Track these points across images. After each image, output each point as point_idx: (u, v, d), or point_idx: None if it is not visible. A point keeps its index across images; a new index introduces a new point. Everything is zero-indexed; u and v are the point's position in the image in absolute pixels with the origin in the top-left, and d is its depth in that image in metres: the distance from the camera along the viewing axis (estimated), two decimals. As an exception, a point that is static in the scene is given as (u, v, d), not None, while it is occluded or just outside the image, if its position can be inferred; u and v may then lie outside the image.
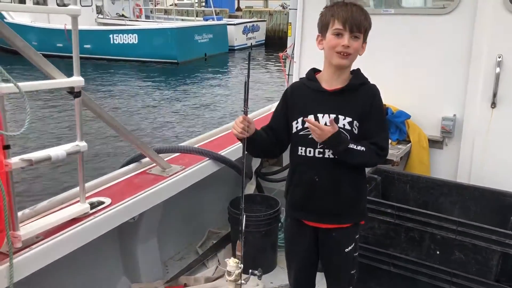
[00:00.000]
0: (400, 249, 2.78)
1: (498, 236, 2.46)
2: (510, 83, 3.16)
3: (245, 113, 1.97)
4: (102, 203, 2.52)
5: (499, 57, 3.14)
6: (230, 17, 31.49)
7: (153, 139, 9.69)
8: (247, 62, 1.95)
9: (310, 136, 2.01)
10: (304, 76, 2.18)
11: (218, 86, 16.11)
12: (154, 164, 3.03)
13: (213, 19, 24.90)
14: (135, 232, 2.98)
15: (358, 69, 2.11)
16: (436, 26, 3.44)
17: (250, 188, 3.96)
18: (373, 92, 2.07)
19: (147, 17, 27.69)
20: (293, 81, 4.14)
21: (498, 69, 3.14)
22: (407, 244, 2.76)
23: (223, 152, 3.37)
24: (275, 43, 25.72)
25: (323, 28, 2.03)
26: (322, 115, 2.02)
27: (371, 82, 2.11)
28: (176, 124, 11.10)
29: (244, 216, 2.03)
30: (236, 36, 25.52)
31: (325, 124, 1.98)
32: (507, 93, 3.18)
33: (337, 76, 2.05)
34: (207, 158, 3.20)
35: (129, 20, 24.89)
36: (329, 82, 2.06)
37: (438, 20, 3.44)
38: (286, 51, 4.33)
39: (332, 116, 2.00)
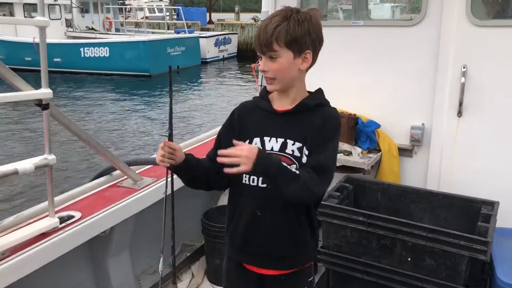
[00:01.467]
0: (373, 256, 2.80)
1: (466, 241, 2.51)
2: (475, 93, 3.26)
3: (169, 137, 1.69)
4: (72, 217, 2.47)
5: (464, 68, 3.24)
6: (202, 29, 31.63)
7: (125, 152, 9.57)
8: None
9: None
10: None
11: (192, 98, 16.09)
12: (125, 177, 2.99)
13: (184, 32, 24.93)
14: (106, 246, 2.93)
15: (319, 89, 1.84)
16: (403, 37, 3.53)
17: (224, 200, 3.94)
18: (329, 114, 1.75)
19: (117, 30, 27.55)
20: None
21: (463, 79, 3.24)
22: (379, 252, 2.80)
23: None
24: (247, 55, 25.95)
25: None
26: (269, 138, 1.75)
27: (332, 104, 1.83)
28: (148, 136, 11.02)
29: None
30: (208, 48, 25.65)
31: (272, 149, 1.73)
32: (472, 102, 3.28)
33: (284, 98, 1.79)
34: (180, 170, 3.16)
35: (99, 33, 24.68)
36: (279, 101, 1.79)
37: (406, 32, 3.53)
38: (258, 62, 4.36)
39: (280, 140, 1.73)
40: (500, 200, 2.88)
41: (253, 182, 1.76)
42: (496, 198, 2.90)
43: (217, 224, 3.28)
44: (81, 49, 20.90)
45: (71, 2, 25.61)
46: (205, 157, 1.84)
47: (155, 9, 36.55)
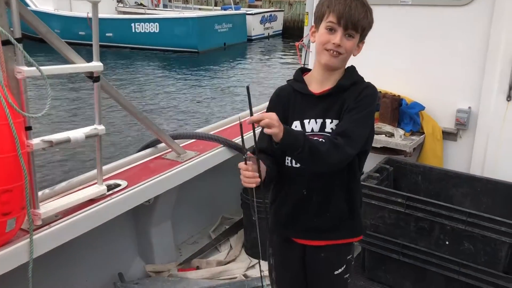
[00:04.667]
0: (410, 238, 2.81)
1: (507, 227, 2.47)
2: (527, 76, 3.14)
3: (246, 159, 1.61)
4: (119, 185, 2.60)
5: (517, 50, 3.12)
6: (249, 6, 31.34)
7: (170, 126, 9.81)
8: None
9: None
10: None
11: (237, 75, 16.16)
12: (170, 150, 3.09)
13: (231, 9, 24.87)
14: (150, 215, 3.07)
15: (352, 67, 1.86)
16: (453, 17, 3.42)
17: (264, 176, 4.00)
18: (363, 88, 1.79)
19: (165, 6, 27.74)
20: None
21: (515, 62, 3.12)
22: (416, 234, 2.79)
23: (238, 139, 3.42)
24: (294, 33, 25.60)
25: (317, 18, 1.79)
26: (308, 120, 1.80)
27: (376, 84, 1.85)
28: (193, 112, 11.21)
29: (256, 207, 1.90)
30: (254, 26, 25.48)
31: (312, 130, 1.78)
32: (523, 86, 3.16)
33: (326, 77, 1.81)
34: (221, 145, 3.25)
35: (148, 9, 24.99)
36: (318, 83, 1.82)
37: (456, 12, 3.42)
38: (302, 41, 4.35)
39: (319, 121, 1.78)
40: (547, 188, 2.79)
41: (295, 164, 1.82)
42: (542, 186, 2.82)
43: (256, 200, 3.35)
44: (132, 25, 21.26)
45: (121, -22, 26.01)
46: (256, 150, 1.70)
47: (204, -15, 36.59)
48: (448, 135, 3.55)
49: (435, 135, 3.53)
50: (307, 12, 4.28)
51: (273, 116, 1.56)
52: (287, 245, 1.97)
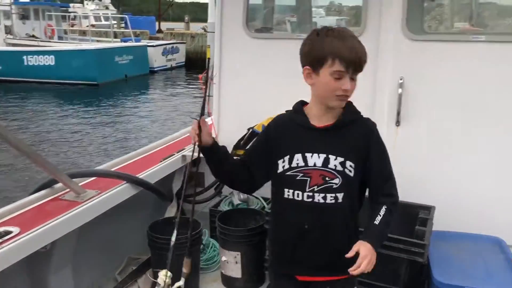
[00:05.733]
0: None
1: (405, 245, 2.63)
2: (411, 103, 3.42)
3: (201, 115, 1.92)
4: (10, 232, 2.37)
5: (401, 79, 3.40)
6: (150, 38, 31.22)
7: (69, 165, 9.27)
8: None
9: (298, 178, 1.82)
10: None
11: (139, 108, 15.84)
12: (68, 190, 2.91)
13: (131, 41, 24.56)
14: (47, 262, 2.82)
15: (350, 103, 1.87)
16: None
17: (171, 211, 3.90)
18: (369, 128, 1.88)
19: (60, 38, 26.63)
20: (213, 102, 4.19)
21: (400, 90, 3.40)
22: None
23: (142, 175, 3.31)
24: (197, 65, 25.89)
25: (315, 62, 1.76)
26: (311, 154, 1.82)
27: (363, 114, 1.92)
28: (95, 147, 10.73)
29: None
30: (156, 57, 25.45)
31: (314, 164, 1.82)
32: (409, 112, 3.44)
33: (327, 113, 1.85)
34: (124, 182, 3.13)
35: (42, 41, 23.84)
36: (319, 118, 1.85)
37: None
38: (205, 72, 4.37)
39: (322, 156, 1.81)
40: (436, 205, 3.03)
41: (297, 196, 1.84)
42: (432, 203, 3.06)
43: (163, 236, 3.24)
44: (24, 57, 20.15)
45: (11, 8, 24.62)
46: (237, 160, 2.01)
47: (101, 17, 35.71)
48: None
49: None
50: (209, 45, 4.34)
51: (367, 259, 1.71)
52: (288, 283, 1.97)
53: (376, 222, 1.84)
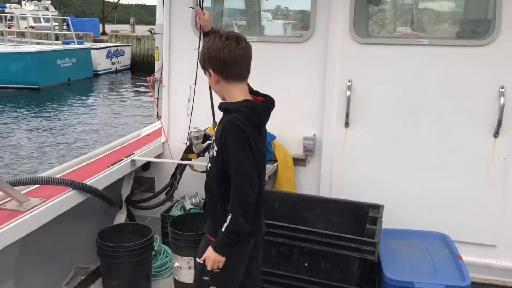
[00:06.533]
0: (272, 264, 2.87)
1: (356, 243, 2.68)
2: (359, 105, 3.52)
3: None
4: None
5: (349, 82, 3.49)
6: (94, 41, 30.30)
7: (9, 173, 8.80)
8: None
9: None
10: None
11: (83, 113, 15.32)
12: (9, 199, 2.75)
13: (74, 43, 23.72)
14: (-13, 276, 2.66)
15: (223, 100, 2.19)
16: (294, 53, 3.71)
17: (120, 218, 3.79)
18: (221, 128, 2.02)
19: (-4, 39, 25.26)
20: (162, 105, 4.11)
21: (348, 92, 3.48)
22: (278, 259, 2.88)
23: (89, 181, 3.19)
24: (143, 68, 25.42)
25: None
26: None
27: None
28: (36, 154, 10.25)
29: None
30: (99, 60, 24.75)
31: None
32: (357, 114, 3.54)
33: None
34: (71, 189, 3.00)
35: (-24, 43, 22.56)
36: None
37: (296, 48, 3.71)
38: (154, 75, 4.30)
39: None
40: (385, 203, 3.12)
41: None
42: (381, 201, 3.15)
43: (113, 244, 3.14)
44: (-42, 61, 18.94)
45: None
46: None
47: (41, 18, 34.17)
48: (299, 161, 3.79)
49: (286, 162, 3.73)
50: (157, 47, 4.26)
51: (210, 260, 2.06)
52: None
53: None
